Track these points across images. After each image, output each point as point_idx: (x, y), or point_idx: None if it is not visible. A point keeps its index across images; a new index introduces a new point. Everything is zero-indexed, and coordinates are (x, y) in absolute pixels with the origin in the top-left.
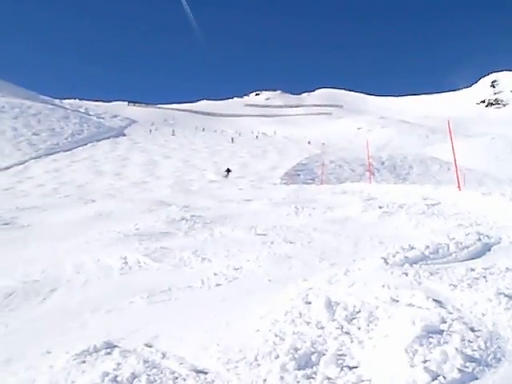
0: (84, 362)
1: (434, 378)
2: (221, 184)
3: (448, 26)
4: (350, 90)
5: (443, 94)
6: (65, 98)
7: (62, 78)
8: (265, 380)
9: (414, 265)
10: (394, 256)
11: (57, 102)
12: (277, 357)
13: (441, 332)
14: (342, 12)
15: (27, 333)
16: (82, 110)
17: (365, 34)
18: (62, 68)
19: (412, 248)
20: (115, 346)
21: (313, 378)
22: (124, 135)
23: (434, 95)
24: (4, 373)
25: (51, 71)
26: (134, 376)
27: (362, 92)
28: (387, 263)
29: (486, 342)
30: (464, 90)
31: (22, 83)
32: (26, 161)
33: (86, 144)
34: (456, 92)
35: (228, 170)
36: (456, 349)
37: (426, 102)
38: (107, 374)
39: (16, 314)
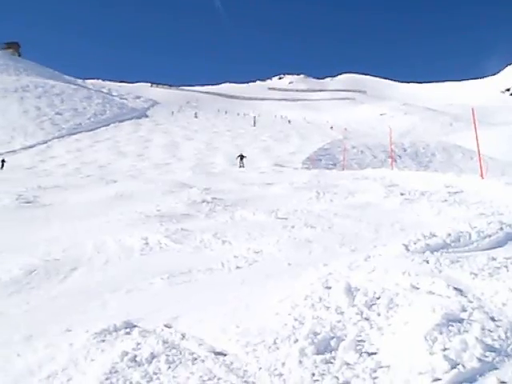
0: (103, 340)
1: (453, 367)
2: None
3: (475, 13)
4: (373, 76)
5: (468, 81)
6: (88, 78)
7: (85, 58)
8: (283, 364)
9: (435, 252)
10: (415, 243)
11: (80, 81)
12: (296, 341)
13: (461, 320)
14: None
15: (48, 310)
16: (105, 91)
17: (390, 19)
18: (85, 48)
19: (433, 235)
20: (135, 326)
21: (331, 362)
22: (146, 116)
23: (459, 82)
24: (24, 349)
25: (74, 51)
26: (153, 356)
27: (386, 78)
28: (408, 250)
29: (506, 332)
30: (489, 77)
31: (45, 62)
32: (48, 140)
33: (108, 124)
34: (481, 80)
35: (241, 157)
36: (476, 338)
37: (450, 89)
38: (126, 353)
39: (37, 291)
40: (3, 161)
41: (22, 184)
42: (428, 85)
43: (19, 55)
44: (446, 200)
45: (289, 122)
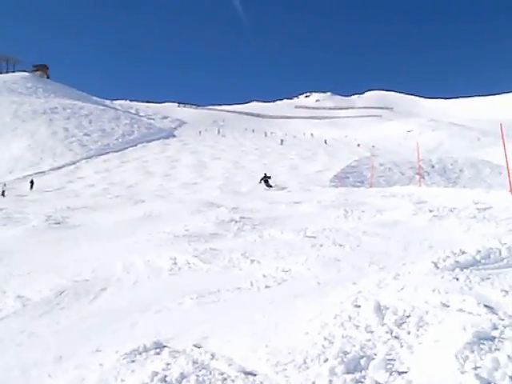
0: (133, 361)
1: None
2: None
3: (501, 25)
4: (400, 93)
5: (495, 96)
6: (115, 99)
7: (113, 79)
8: (313, 383)
9: (465, 270)
10: (444, 260)
11: (108, 102)
12: (326, 360)
13: (492, 339)
14: (392, 13)
15: (77, 331)
16: (133, 111)
17: (416, 35)
18: (112, 69)
19: (463, 252)
20: (164, 346)
21: (361, 382)
22: (174, 136)
23: (486, 97)
24: (55, 370)
25: (102, 72)
26: (183, 376)
27: (413, 94)
28: (437, 268)
29: None
30: None
31: (73, 84)
32: (77, 161)
33: (136, 145)
34: (509, 94)
35: (266, 179)
36: (508, 356)
37: (478, 104)
38: (156, 373)
39: (67, 312)
40: (32, 182)
41: (51, 205)
42: (455, 100)
43: (48, 77)
44: (475, 216)
45: (325, 142)
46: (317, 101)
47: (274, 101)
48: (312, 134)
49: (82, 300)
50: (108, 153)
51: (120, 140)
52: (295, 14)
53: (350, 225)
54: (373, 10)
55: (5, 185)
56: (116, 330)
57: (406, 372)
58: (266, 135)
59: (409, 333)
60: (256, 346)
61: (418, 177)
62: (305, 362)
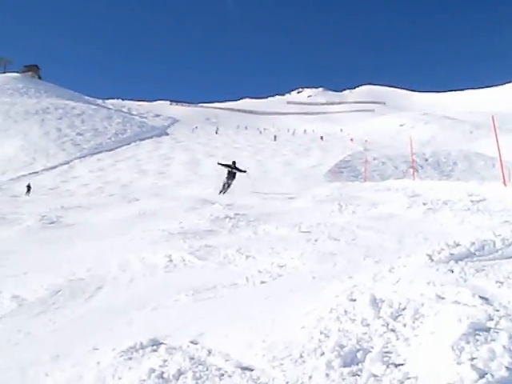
0: (130, 358)
1: (482, 376)
2: (263, 182)
3: (494, 16)
4: (392, 87)
5: (488, 89)
6: (107, 98)
7: (104, 79)
8: (310, 377)
9: (460, 262)
10: (439, 253)
11: (100, 102)
12: (322, 354)
13: (488, 329)
14: (381, 5)
15: (74, 330)
16: (125, 110)
17: (406, 28)
18: (103, 68)
19: (457, 245)
20: (161, 343)
21: (358, 375)
22: (167, 134)
23: (479, 90)
24: (52, 369)
25: (93, 71)
26: (180, 373)
27: (405, 88)
28: (432, 260)
29: None
30: (510, 84)
31: (65, 84)
32: (70, 161)
33: (129, 143)
34: (501, 87)
35: (232, 169)
36: (504, 346)
37: (471, 97)
38: (153, 370)
39: (63, 311)
40: (29, 186)
41: (45, 205)
42: (447, 93)
43: (39, 78)
44: (469, 209)
45: (321, 138)
46: (309, 96)
47: (266, 97)
48: (305, 130)
49: (78, 299)
50: (101, 152)
51: (113, 139)
52: (286, 9)
53: (344, 219)
54: (362, 4)
55: None
56: (112, 328)
57: (402, 364)
58: (260, 132)
59: (405, 325)
60: (252, 342)
61: (411, 170)
62: (301, 356)
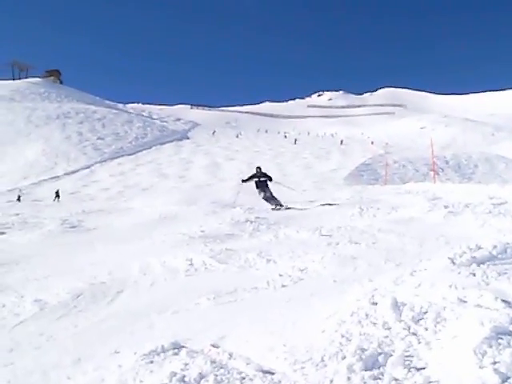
0: (152, 362)
1: (504, 381)
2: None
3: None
4: (412, 89)
5: (509, 90)
6: (128, 103)
7: (125, 82)
8: (332, 381)
9: (482, 265)
10: (460, 256)
11: (120, 106)
12: (343, 357)
13: (510, 333)
14: (401, 7)
15: (95, 333)
16: (146, 114)
17: (427, 30)
18: (125, 72)
19: (479, 248)
20: (182, 347)
21: (380, 378)
22: (187, 138)
23: (500, 92)
24: (74, 372)
25: (114, 75)
26: (201, 376)
27: (425, 91)
28: (454, 263)
29: None
30: None
31: (86, 89)
32: (91, 165)
33: (149, 147)
34: None
35: (262, 178)
36: None
37: (492, 99)
38: (175, 373)
39: (84, 314)
40: (57, 192)
41: (66, 209)
42: (468, 96)
43: (60, 82)
44: (490, 211)
45: (341, 142)
46: (329, 99)
47: (286, 100)
48: (325, 133)
49: (100, 302)
50: (122, 156)
51: (133, 143)
52: (306, 11)
53: (365, 222)
54: (384, 7)
55: (20, 190)
56: (134, 332)
57: (424, 368)
58: (284, 136)
59: (426, 329)
60: (273, 345)
61: (432, 173)
62: (322, 360)
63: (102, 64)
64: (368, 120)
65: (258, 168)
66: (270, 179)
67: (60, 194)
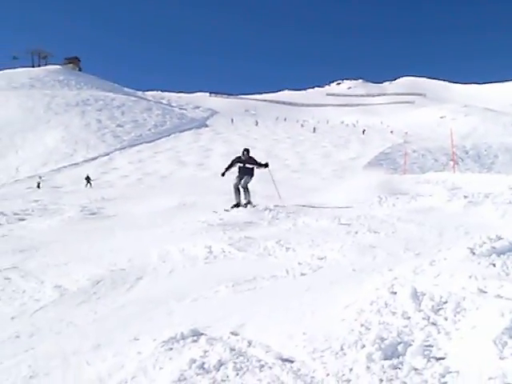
0: (171, 349)
1: None
2: (302, 174)
3: None
4: (432, 78)
5: None
6: (147, 90)
7: (145, 70)
8: (351, 369)
9: (502, 255)
10: (480, 246)
11: (139, 93)
12: (363, 346)
13: None
14: None
15: (115, 320)
16: (165, 102)
17: (447, 18)
18: (144, 59)
19: (499, 238)
20: (202, 334)
21: (399, 368)
22: (206, 126)
23: None
24: (94, 358)
25: (133, 63)
26: (220, 363)
27: (445, 80)
28: (474, 253)
29: None
30: None
31: (105, 76)
32: (110, 152)
33: (168, 135)
34: None
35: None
36: None
37: None
38: (194, 360)
39: (104, 301)
40: (88, 178)
41: (85, 196)
42: (489, 85)
43: (80, 69)
44: (510, 202)
45: (363, 132)
46: (348, 88)
47: (305, 89)
48: (343, 122)
49: (119, 289)
50: (141, 143)
51: (152, 130)
52: (328, 0)
53: (384, 211)
54: None
55: (40, 177)
56: (153, 319)
57: (443, 358)
58: (298, 123)
59: (446, 319)
60: (293, 333)
61: (451, 163)
62: (342, 349)
63: (122, 52)
64: (387, 109)
65: (246, 151)
66: (264, 166)
67: (91, 179)
